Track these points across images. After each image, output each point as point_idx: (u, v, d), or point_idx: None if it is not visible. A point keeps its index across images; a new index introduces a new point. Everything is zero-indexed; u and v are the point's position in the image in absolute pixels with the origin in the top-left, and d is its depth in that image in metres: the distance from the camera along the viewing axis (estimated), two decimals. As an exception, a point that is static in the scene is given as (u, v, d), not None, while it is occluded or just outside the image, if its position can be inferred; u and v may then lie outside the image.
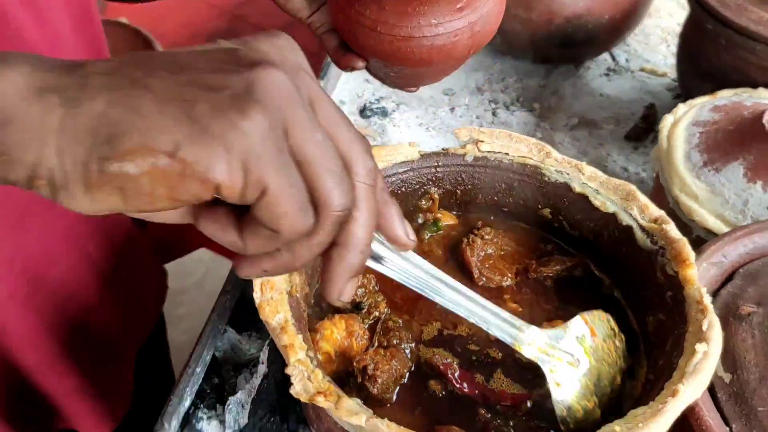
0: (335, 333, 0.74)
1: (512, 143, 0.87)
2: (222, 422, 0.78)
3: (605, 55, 1.60)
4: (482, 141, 0.87)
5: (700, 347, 0.65)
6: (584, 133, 1.42)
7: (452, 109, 1.47)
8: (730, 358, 0.74)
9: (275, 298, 0.68)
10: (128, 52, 0.42)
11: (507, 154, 0.87)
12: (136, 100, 0.35)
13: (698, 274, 0.80)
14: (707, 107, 1.13)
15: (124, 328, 1.08)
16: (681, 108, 1.15)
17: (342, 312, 0.78)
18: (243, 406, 0.78)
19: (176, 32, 2.37)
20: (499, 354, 0.77)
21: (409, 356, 0.75)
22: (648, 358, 0.75)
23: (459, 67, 0.87)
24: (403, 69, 0.80)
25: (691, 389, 0.62)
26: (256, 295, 0.67)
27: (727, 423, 0.70)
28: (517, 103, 1.48)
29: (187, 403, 0.78)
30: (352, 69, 0.81)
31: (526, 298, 0.84)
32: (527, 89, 1.52)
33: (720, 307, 0.79)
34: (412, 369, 0.75)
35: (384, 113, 1.40)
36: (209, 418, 0.79)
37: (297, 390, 0.61)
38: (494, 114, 1.46)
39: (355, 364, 0.71)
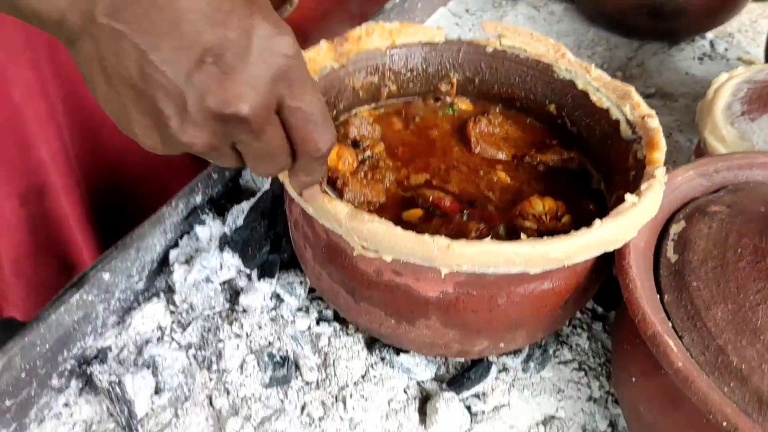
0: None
1: (532, 41, 0.94)
2: (224, 222, 0.91)
3: (704, 41, 1.59)
4: (505, 36, 0.95)
5: (629, 197, 0.69)
6: (658, 103, 1.43)
7: (532, 64, 1.53)
8: (682, 243, 0.77)
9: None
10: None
11: (525, 50, 0.94)
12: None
13: (683, 179, 0.84)
14: (765, 71, 1.13)
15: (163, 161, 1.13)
16: (739, 69, 1.15)
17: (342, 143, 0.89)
18: (243, 211, 0.91)
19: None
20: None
21: (384, 192, 0.84)
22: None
23: None
24: None
25: (608, 228, 0.67)
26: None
27: (660, 293, 0.73)
28: (599, 69, 1.52)
29: (198, 198, 0.92)
30: None
31: (517, 174, 0.90)
32: (614, 59, 1.55)
33: (692, 208, 0.82)
34: (382, 202, 0.82)
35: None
36: (214, 218, 0.92)
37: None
38: (572, 74, 1.50)
39: (329, 173, 0.82)
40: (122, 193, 1.07)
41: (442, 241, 0.63)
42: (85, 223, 1.02)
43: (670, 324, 0.68)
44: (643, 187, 0.71)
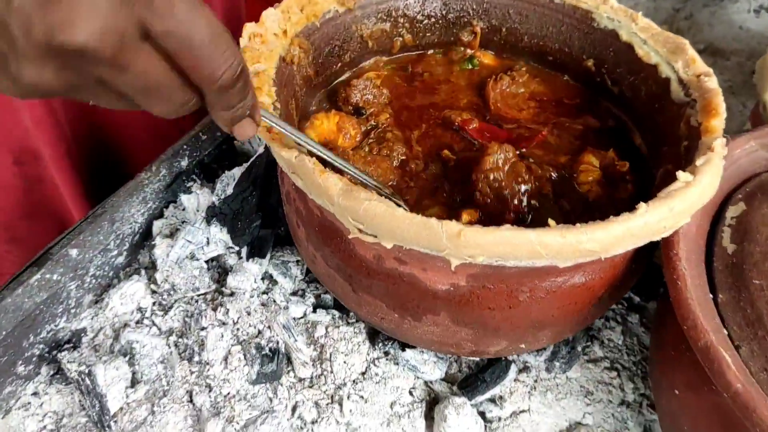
0: (325, 124, 0.73)
1: (570, -16, 0.81)
2: (213, 191, 0.81)
3: (762, -8, 1.43)
4: (538, -22, 0.82)
5: (682, 176, 0.57)
6: (708, 60, 1.28)
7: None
8: (741, 230, 0.65)
9: (262, 50, 0.68)
10: None
11: (562, -6, 0.81)
12: None
13: (742, 151, 0.72)
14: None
15: None
16: (808, 21, 1.00)
17: (342, 112, 0.78)
18: (234, 179, 0.80)
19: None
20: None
21: (393, 168, 0.73)
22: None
23: None
24: None
25: (655, 212, 0.55)
26: (242, 41, 0.67)
27: (713, 291, 0.61)
28: (643, 21, 1.37)
29: (183, 163, 0.81)
30: None
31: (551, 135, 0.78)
32: (659, 10, 1.40)
33: (754, 186, 0.69)
34: (395, 182, 0.72)
35: None
36: (203, 185, 0.81)
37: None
38: (612, 26, 1.35)
39: (329, 148, 0.70)
40: (117, 163, 0.98)
41: (452, 226, 0.52)
42: (78, 192, 0.94)
43: (726, 332, 0.56)
44: (699, 162, 0.59)
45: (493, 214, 0.67)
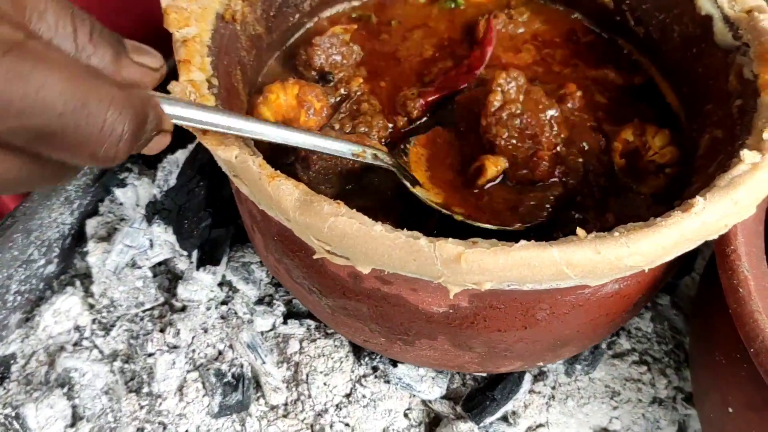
0: (281, 98, 0.58)
1: None
2: (153, 180, 0.66)
3: None
4: None
5: (748, 155, 0.43)
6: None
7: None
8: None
9: (192, 10, 0.53)
10: None
11: None
12: None
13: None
14: None
15: None
16: None
17: (304, 79, 0.63)
18: (178, 165, 0.66)
19: None
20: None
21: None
22: (687, 186, 0.54)
23: None
24: None
25: (715, 208, 0.41)
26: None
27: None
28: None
29: (114, 149, 0.66)
30: None
31: (554, 81, 0.63)
32: None
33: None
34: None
35: None
36: (142, 174, 0.67)
37: (168, 110, 0.47)
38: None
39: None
40: None
41: (448, 249, 0.39)
42: None
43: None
44: (766, 134, 0.45)
45: (522, 159, 0.55)
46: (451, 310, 0.46)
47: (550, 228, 0.54)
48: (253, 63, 0.60)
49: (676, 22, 0.60)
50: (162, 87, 0.62)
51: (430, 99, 0.59)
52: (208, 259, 0.61)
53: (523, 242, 0.39)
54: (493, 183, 0.55)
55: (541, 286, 0.41)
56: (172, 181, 0.65)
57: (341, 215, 0.40)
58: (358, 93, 0.62)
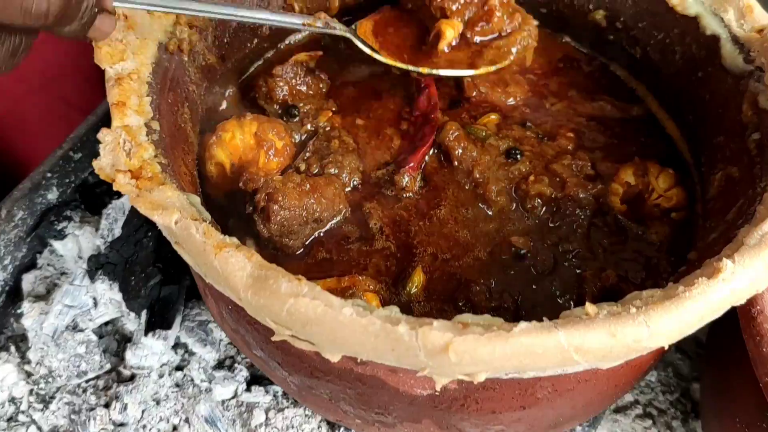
0: (237, 138, 0.51)
1: None
2: (97, 230, 0.59)
3: None
4: None
5: (779, 209, 0.37)
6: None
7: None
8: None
9: (129, 41, 0.45)
10: None
11: None
12: None
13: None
14: None
15: None
16: None
17: (265, 114, 0.56)
18: (124, 213, 0.59)
19: None
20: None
21: (345, 195, 0.51)
22: (700, 233, 0.48)
23: None
24: None
25: (746, 272, 0.35)
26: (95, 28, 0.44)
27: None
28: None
29: (51, 196, 0.59)
30: None
31: (546, 122, 0.57)
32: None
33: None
34: (347, 215, 0.51)
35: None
36: (84, 221, 0.59)
37: (100, 163, 0.39)
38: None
39: (241, 184, 0.48)
40: None
41: (433, 337, 0.32)
42: None
43: None
44: (797, 180, 0.38)
45: (475, 16, 0.57)
46: (437, 393, 0.39)
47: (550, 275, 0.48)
48: (204, 97, 0.53)
49: (677, 42, 0.54)
50: (94, 131, 0.54)
51: (412, 165, 0.53)
52: (158, 322, 0.54)
53: (523, 325, 0.32)
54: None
55: (544, 373, 0.35)
56: (118, 231, 0.58)
57: (302, 296, 0.33)
58: (327, 128, 0.55)
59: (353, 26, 0.57)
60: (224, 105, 0.56)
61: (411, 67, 0.55)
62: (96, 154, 0.56)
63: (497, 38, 0.56)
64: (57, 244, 0.58)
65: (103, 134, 0.41)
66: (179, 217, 0.36)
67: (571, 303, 0.47)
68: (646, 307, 0.34)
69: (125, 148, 0.40)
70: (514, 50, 0.56)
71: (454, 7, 0.55)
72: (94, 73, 0.48)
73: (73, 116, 0.85)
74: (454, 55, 0.56)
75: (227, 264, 0.35)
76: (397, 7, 0.60)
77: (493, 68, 0.55)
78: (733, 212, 0.43)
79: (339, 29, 0.53)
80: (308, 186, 0.49)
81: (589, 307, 0.34)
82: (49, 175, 0.58)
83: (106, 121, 0.60)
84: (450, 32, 0.55)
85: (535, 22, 0.57)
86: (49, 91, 0.81)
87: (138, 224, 0.57)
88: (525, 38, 0.56)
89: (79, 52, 0.78)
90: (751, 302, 0.41)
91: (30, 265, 0.60)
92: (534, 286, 0.48)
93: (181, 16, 0.50)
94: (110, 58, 0.44)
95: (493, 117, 0.57)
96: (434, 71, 0.55)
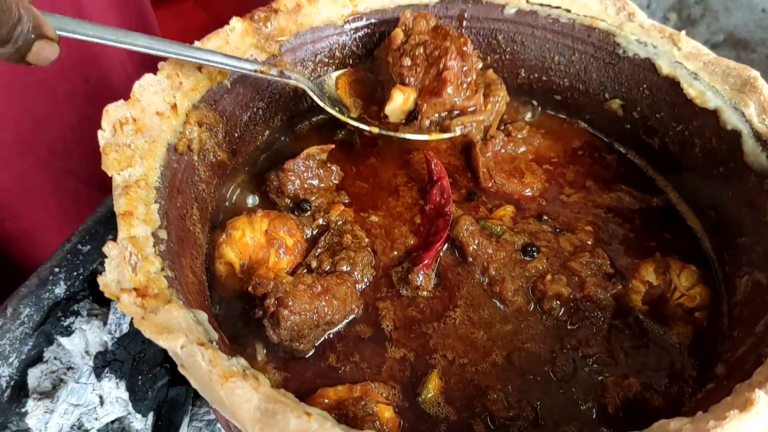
0: (248, 236, 0.50)
1: (579, -4, 0.58)
2: (105, 324, 0.58)
3: (781, -37, 1.21)
4: (535, -11, 0.59)
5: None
6: (730, 53, 1.07)
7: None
8: None
9: (137, 146, 0.45)
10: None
11: (568, 11, 0.58)
12: None
13: None
14: None
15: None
16: None
17: (276, 208, 0.55)
18: (132, 307, 0.57)
19: None
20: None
21: (358, 294, 0.50)
22: (726, 340, 0.46)
23: None
24: None
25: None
26: (102, 134, 0.44)
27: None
28: (646, 10, 1.14)
29: (58, 290, 0.58)
30: None
31: (563, 214, 0.56)
32: (663, -5, 1.17)
33: None
34: (359, 314, 0.50)
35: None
36: (92, 314, 0.58)
37: (105, 279, 0.38)
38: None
39: (250, 289, 0.47)
40: None
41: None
42: None
43: None
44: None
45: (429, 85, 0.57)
46: None
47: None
48: (213, 195, 0.52)
49: (696, 135, 0.53)
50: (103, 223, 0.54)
51: (426, 263, 0.51)
52: (165, 425, 0.52)
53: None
54: (410, 119, 0.56)
55: None
56: (125, 326, 0.56)
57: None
58: (340, 222, 0.54)
59: (331, 76, 0.59)
60: (234, 198, 0.56)
61: (361, 125, 0.56)
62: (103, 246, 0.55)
63: (449, 116, 0.57)
64: (64, 340, 0.56)
65: (109, 248, 0.40)
66: (185, 342, 0.35)
67: (593, 411, 0.44)
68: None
69: (131, 262, 0.39)
70: (458, 130, 0.56)
71: (409, 79, 0.56)
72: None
73: (80, 190, 0.86)
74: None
75: (233, 395, 0.33)
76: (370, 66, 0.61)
77: (444, 136, 0.56)
78: (762, 325, 0.41)
79: (293, 79, 0.53)
80: (319, 287, 0.47)
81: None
82: (56, 270, 0.57)
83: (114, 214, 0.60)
84: (398, 96, 0.55)
85: (504, 95, 0.57)
86: (56, 164, 0.81)
87: (146, 320, 0.55)
88: (480, 122, 0.56)
89: (87, 126, 0.79)
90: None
91: (37, 358, 0.59)
92: (554, 393, 0.46)
93: (191, 115, 0.49)
94: (118, 164, 0.43)
95: (509, 209, 0.55)
96: (383, 131, 0.56)
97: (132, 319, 0.53)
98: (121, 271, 0.39)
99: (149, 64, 0.52)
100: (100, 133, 0.44)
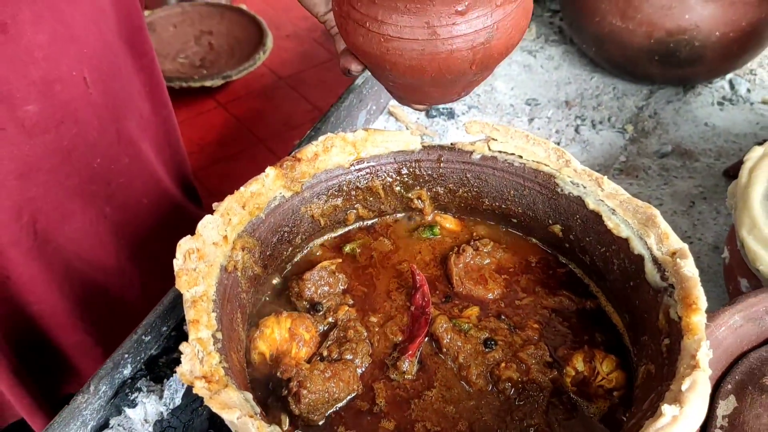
0: (276, 333, 0.67)
1: (528, 145, 0.76)
2: (161, 397, 0.74)
3: (723, 83, 1.41)
4: (495, 139, 0.77)
5: (668, 409, 0.51)
6: (676, 163, 1.25)
7: (531, 120, 1.35)
8: (735, 434, 0.59)
9: (200, 269, 0.62)
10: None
11: (520, 156, 0.76)
12: None
13: (727, 329, 0.66)
14: (810, 143, 0.95)
15: (143, 293, 1.08)
16: (776, 140, 0.97)
17: (296, 309, 0.72)
18: (183, 385, 0.74)
19: (295, 24, 2.43)
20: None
21: (358, 377, 0.67)
22: (627, 414, 0.62)
23: (467, 87, 0.72)
24: (396, 78, 0.68)
25: (641, 458, 0.49)
26: (176, 262, 0.62)
27: None
28: (606, 122, 1.34)
29: (126, 371, 0.74)
30: (349, 72, 0.72)
31: (516, 314, 0.73)
32: (623, 109, 1.37)
33: (742, 372, 0.64)
34: (359, 392, 0.66)
35: (450, 115, 1.31)
36: (150, 391, 0.75)
37: (182, 370, 0.55)
38: (577, 131, 1.32)
39: (279, 373, 0.64)
40: (51, 347, 0.93)
41: None
42: (15, 383, 0.89)
43: None
44: (684, 386, 0.53)
45: None
46: None
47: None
48: (251, 300, 0.69)
49: (615, 256, 0.70)
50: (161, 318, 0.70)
51: (410, 352, 0.68)
52: (210, 479, 0.68)
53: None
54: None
55: None
56: (178, 400, 0.73)
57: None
58: (345, 320, 0.71)
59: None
60: (265, 303, 0.73)
61: None
62: (159, 336, 0.72)
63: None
64: (129, 411, 0.73)
65: (184, 347, 0.56)
66: (240, 414, 0.51)
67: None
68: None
69: (199, 357, 0.56)
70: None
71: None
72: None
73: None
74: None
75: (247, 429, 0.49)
76: None
77: None
78: (647, 403, 0.57)
79: None
80: (330, 372, 0.64)
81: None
82: (126, 355, 0.74)
83: (170, 310, 0.77)
84: None
85: None
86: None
87: (194, 396, 0.72)
88: None
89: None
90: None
91: (104, 425, 0.75)
92: (505, 454, 0.62)
93: (237, 243, 0.67)
94: (187, 284, 0.61)
95: (475, 310, 0.72)
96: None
97: (183, 393, 0.70)
98: (193, 363, 0.55)
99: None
100: (174, 261, 0.61)
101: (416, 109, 0.78)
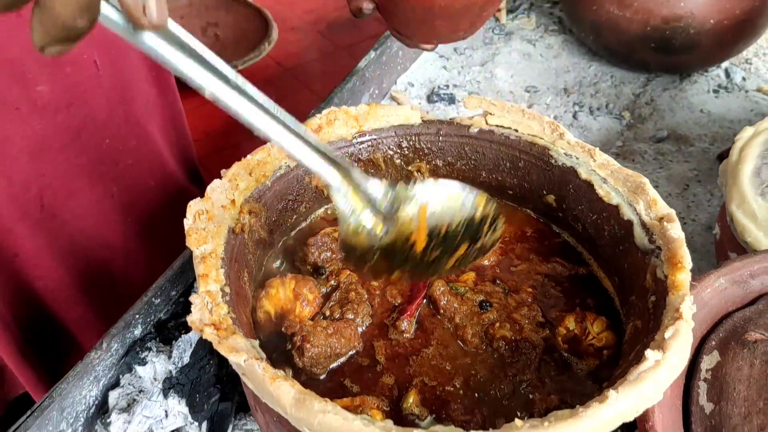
0: (280, 293, 0.70)
1: (524, 119, 0.79)
2: (169, 357, 0.77)
3: (718, 71, 1.44)
4: (492, 114, 0.80)
5: (651, 354, 0.55)
6: (672, 147, 1.28)
7: (530, 107, 1.38)
8: (717, 387, 0.62)
9: (209, 229, 0.65)
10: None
11: (516, 130, 0.79)
12: None
13: (712, 290, 0.69)
14: (799, 122, 0.98)
15: (147, 272, 1.11)
16: (766, 121, 0.99)
17: (300, 273, 0.75)
18: (191, 344, 0.77)
19: (300, 17, 2.47)
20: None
21: (359, 335, 0.70)
22: (616, 369, 0.65)
23: (473, 23, 0.77)
24: (406, 9, 0.72)
25: (626, 399, 0.52)
26: (187, 222, 0.65)
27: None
28: (604, 109, 1.37)
29: (137, 331, 0.78)
30: (360, 12, 0.76)
31: (511, 279, 0.76)
32: (620, 96, 1.40)
33: (726, 329, 0.67)
34: (360, 350, 0.69)
35: (451, 100, 1.34)
36: (159, 351, 0.78)
37: (192, 318, 0.58)
38: (575, 117, 1.35)
39: (283, 329, 0.67)
40: (54, 322, 0.96)
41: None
42: (36, 376, 0.92)
43: None
44: (667, 334, 0.56)
45: None
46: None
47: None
48: (257, 261, 0.73)
49: (605, 223, 0.73)
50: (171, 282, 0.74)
51: (409, 313, 0.71)
52: (216, 430, 0.71)
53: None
54: None
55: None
56: (186, 359, 0.76)
57: (328, 412, 0.51)
58: (346, 283, 0.74)
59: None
60: (269, 266, 0.76)
61: None
62: (168, 300, 0.75)
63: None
64: (139, 369, 0.76)
65: (194, 298, 0.59)
66: (246, 358, 0.55)
67: (525, 418, 0.63)
68: (556, 421, 0.51)
69: (208, 307, 0.59)
70: None
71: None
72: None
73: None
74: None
75: (279, 390, 0.52)
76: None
77: None
78: (632, 354, 0.60)
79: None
80: (332, 329, 0.67)
81: (518, 422, 0.51)
82: (137, 316, 0.77)
83: (179, 274, 0.80)
84: None
85: None
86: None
87: (202, 354, 0.75)
88: None
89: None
90: (646, 417, 0.58)
91: (115, 384, 0.78)
92: (497, 406, 0.65)
93: (244, 207, 0.70)
94: (197, 242, 0.64)
95: (471, 275, 0.76)
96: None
97: (191, 352, 0.73)
98: (203, 313, 0.59)
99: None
100: (185, 221, 0.65)
101: (424, 49, 0.80)
